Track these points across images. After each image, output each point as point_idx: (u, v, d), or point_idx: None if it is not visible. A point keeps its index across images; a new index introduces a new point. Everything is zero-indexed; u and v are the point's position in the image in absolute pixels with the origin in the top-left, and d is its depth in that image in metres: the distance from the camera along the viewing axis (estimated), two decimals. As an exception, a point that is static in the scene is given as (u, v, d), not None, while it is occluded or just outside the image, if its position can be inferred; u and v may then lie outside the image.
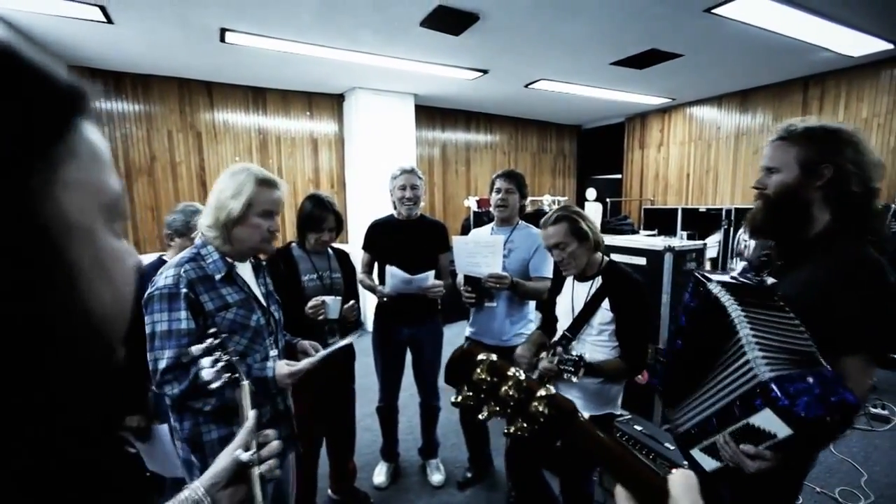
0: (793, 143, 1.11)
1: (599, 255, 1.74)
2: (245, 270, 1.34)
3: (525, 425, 0.53)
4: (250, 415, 0.90)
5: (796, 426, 0.90)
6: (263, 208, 1.26)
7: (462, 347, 0.58)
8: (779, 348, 0.97)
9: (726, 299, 1.08)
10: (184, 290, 1.18)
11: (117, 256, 0.34)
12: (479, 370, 0.54)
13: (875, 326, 1.00)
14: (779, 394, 0.90)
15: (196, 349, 1.09)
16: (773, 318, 1.03)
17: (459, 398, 0.55)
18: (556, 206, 1.88)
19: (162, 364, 1.15)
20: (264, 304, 1.36)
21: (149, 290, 1.20)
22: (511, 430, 0.54)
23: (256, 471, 0.85)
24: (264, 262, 1.46)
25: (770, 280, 1.13)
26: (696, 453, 1.16)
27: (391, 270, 2.12)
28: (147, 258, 1.80)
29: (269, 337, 1.34)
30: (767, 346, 0.97)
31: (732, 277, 1.18)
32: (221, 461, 0.79)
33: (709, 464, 1.13)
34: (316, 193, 1.97)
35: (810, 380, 0.91)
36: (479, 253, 2.12)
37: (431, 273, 2.17)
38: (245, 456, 0.88)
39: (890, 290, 1.00)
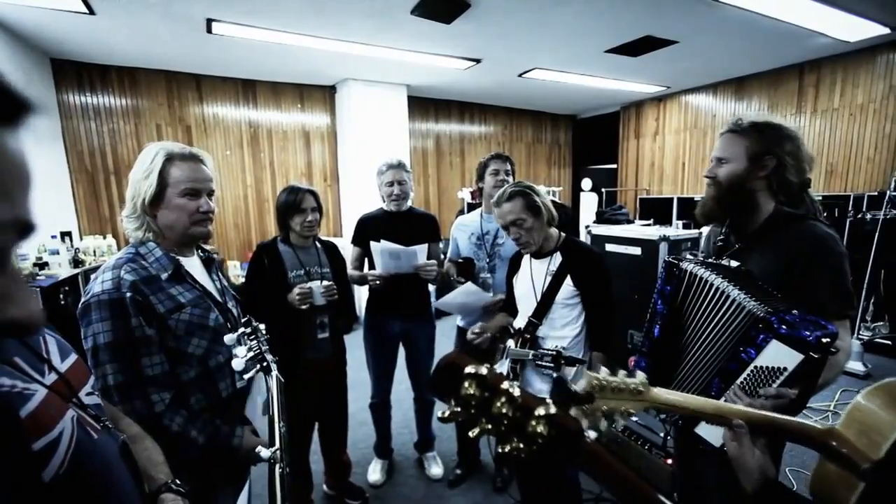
0: (742, 136, 1.20)
1: (555, 230, 1.72)
2: (194, 266, 1.22)
3: (521, 446, 0.48)
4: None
5: (805, 349, 0.92)
6: (184, 186, 1.11)
7: (448, 357, 0.52)
8: (757, 297, 1.04)
9: (703, 273, 1.15)
10: (128, 294, 1.02)
11: None
12: (466, 384, 0.48)
13: (841, 292, 1.11)
14: (780, 323, 0.95)
15: (229, 339, 1.06)
16: (747, 282, 1.11)
17: (447, 413, 0.49)
18: (551, 196, 1.85)
19: (111, 381, 1.01)
20: (220, 300, 1.24)
21: (84, 299, 1.04)
22: (505, 451, 0.48)
23: (278, 469, 0.84)
24: (216, 255, 1.36)
25: (734, 263, 1.21)
26: (702, 429, 1.14)
27: (379, 245, 2.08)
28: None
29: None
30: (749, 294, 1.05)
31: (699, 261, 1.25)
32: None
33: (717, 434, 1.08)
34: (289, 184, 1.97)
35: (795, 312, 0.98)
36: (466, 300, 2.09)
37: (422, 248, 2.12)
38: (266, 453, 0.90)
39: (845, 257, 1.12)
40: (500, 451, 0.49)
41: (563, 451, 0.47)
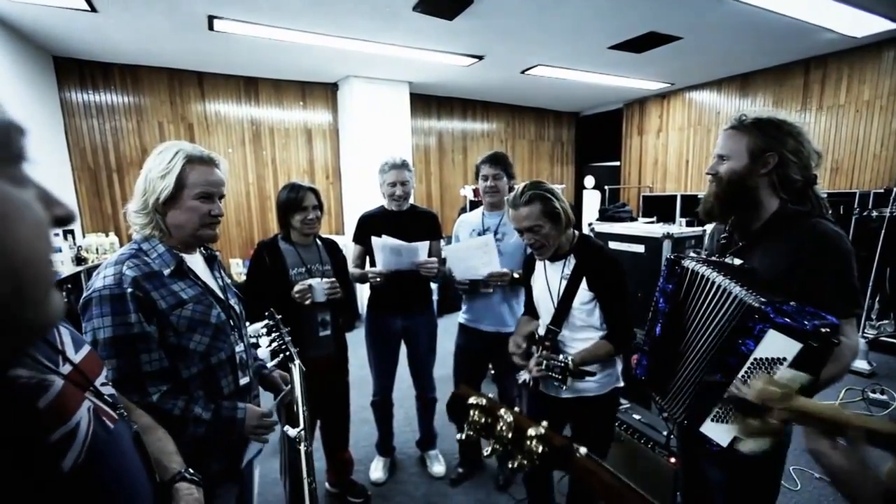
0: (744, 133, 1.18)
1: (571, 231, 1.62)
2: (196, 263, 1.22)
3: (525, 462, 0.57)
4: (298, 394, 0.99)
5: (803, 338, 0.92)
6: (200, 190, 1.13)
7: (456, 391, 0.63)
8: (759, 294, 1.04)
9: (704, 270, 1.15)
10: (129, 290, 1.03)
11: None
12: (471, 413, 0.60)
13: (847, 290, 1.09)
14: (777, 313, 0.96)
15: (253, 329, 1.10)
16: (749, 280, 1.12)
17: (464, 436, 0.62)
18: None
19: (109, 375, 1.02)
20: (222, 297, 1.24)
21: (85, 294, 1.05)
22: (514, 466, 0.57)
23: (303, 447, 0.96)
24: (217, 253, 1.36)
25: (737, 261, 1.21)
26: (708, 428, 1.13)
27: (381, 241, 2.06)
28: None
29: (232, 332, 1.21)
30: (751, 292, 1.05)
31: (702, 259, 1.24)
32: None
33: (724, 433, 1.09)
34: (289, 182, 1.96)
35: (793, 304, 0.98)
36: (473, 255, 2.08)
37: (424, 244, 2.11)
38: (293, 432, 1.02)
39: (852, 254, 1.10)
40: (509, 466, 0.59)
41: (557, 464, 0.55)
